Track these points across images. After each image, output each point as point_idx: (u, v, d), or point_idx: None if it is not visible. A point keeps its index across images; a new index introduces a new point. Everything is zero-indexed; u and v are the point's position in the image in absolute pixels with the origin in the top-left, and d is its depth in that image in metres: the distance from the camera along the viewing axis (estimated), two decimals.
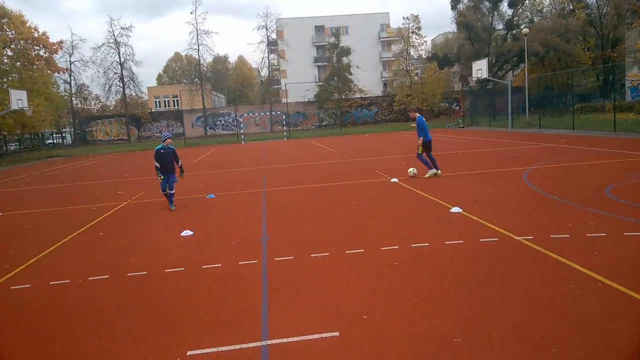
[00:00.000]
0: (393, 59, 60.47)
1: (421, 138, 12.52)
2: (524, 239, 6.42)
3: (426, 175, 12.53)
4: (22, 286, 6.05)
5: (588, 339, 3.74)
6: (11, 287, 6.03)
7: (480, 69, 34.23)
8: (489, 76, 34.81)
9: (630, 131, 22.27)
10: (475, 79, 35.72)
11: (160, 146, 10.38)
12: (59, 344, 4.35)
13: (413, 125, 13.25)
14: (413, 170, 12.57)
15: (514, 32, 47.97)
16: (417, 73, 58.01)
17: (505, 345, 3.73)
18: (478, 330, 4.00)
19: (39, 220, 10.67)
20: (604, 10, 47.41)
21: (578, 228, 6.75)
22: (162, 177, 10.34)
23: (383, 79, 71.24)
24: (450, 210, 8.42)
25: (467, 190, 10.35)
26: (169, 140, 10.50)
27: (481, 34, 47.55)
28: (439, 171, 12.69)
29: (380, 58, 71.39)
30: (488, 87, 42.44)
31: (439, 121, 49.84)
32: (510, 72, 52.87)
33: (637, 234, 6.32)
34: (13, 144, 49.71)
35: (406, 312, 4.46)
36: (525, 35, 34.58)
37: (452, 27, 53.18)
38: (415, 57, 59.60)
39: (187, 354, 3.96)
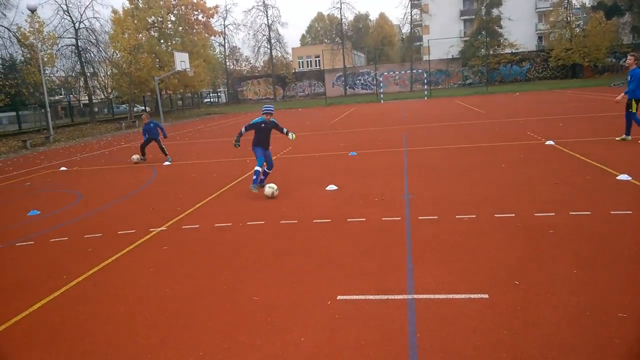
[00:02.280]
0: (551, 9, 54.22)
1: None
2: None
3: (618, 138, 11.14)
4: (192, 226, 6.89)
5: None
6: (183, 227, 6.90)
7: None
8: None
9: None
10: None
11: (260, 119, 8.58)
12: (223, 277, 4.91)
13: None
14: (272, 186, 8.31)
15: None
16: (579, 24, 51.47)
17: None
18: None
19: (202, 169, 11.94)
20: None
21: None
22: (239, 144, 8.75)
23: (538, 31, 64.71)
24: (617, 178, 7.53)
25: (637, 157, 9.15)
26: (267, 117, 8.56)
27: None
28: (629, 137, 11.03)
29: (536, 8, 64.66)
30: None
31: (603, 79, 44.20)
32: None
33: None
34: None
35: (563, 281, 4.18)
36: None
37: None
38: (578, 6, 52.87)
39: (337, 297, 4.20)
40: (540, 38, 64.65)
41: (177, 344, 3.68)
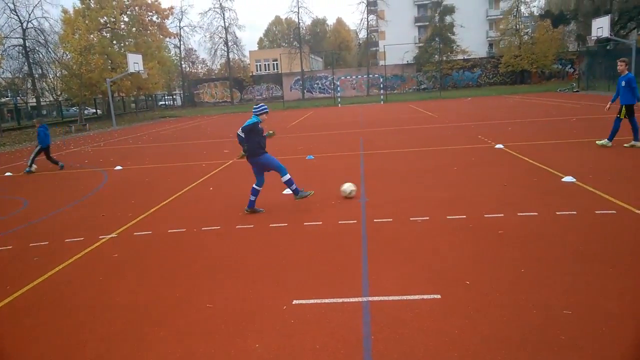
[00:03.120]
0: (501, 17, 56.35)
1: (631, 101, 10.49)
2: None
3: (626, 145, 10.62)
4: (144, 233, 6.70)
5: None
6: (135, 233, 6.70)
7: (600, 27, 30.96)
8: (610, 35, 31.37)
9: None
10: (595, 38, 32.37)
11: (256, 119, 6.96)
12: (177, 285, 4.80)
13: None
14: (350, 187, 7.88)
15: None
16: (527, 32, 53.66)
17: (622, 321, 3.50)
18: (591, 305, 3.78)
19: (156, 174, 11.66)
20: None
21: None
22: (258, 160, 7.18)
23: (489, 39, 67.01)
24: (562, 180, 7.88)
25: (581, 159, 9.61)
26: (264, 117, 7.08)
27: None
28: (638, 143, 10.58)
29: (487, 16, 66.99)
30: (608, 47, 38.23)
31: (550, 84, 46.22)
32: (635, 30, 46.99)
33: None
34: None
35: (512, 280, 4.32)
36: None
37: None
38: (527, 14, 55.08)
39: (293, 302, 4.19)
40: (490, 45, 66.95)
41: (127, 355, 3.56)
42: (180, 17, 60.25)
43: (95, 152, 17.82)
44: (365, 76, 54.50)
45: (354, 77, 54.79)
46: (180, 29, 60.79)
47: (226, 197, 8.66)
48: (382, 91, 43.23)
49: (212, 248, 5.88)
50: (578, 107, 22.15)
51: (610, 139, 10.75)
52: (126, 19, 48.42)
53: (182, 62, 64.35)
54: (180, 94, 67.85)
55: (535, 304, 3.85)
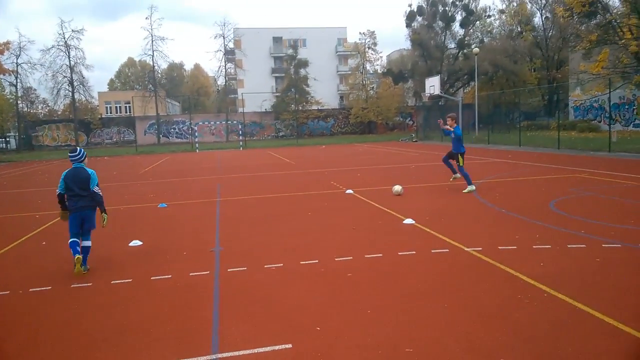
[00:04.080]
0: (349, 72, 61.36)
1: (461, 150, 11.67)
2: (474, 250, 6.59)
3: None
4: None
5: (534, 348, 3.85)
6: None
7: (432, 85, 35.34)
8: (441, 92, 35.97)
9: (572, 148, 23.48)
10: (428, 94, 36.80)
11: (79, 165, 6.64)
12: None
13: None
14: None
15: (465, 51, 49.74)
16: (372, 87, 59.04)
17: (456, 355, 3.79)
18: (429, 341, 4.04)
19: None
20: (550, 33, 50.03)
21: (524, 240, 6.99)
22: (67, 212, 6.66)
23: (340, 92, 72.08)
24: (404, 222, 8.54)
25: (419, 203, 10.56)
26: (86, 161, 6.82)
27: (434, 52, 48.99)
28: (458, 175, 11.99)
29: (337, 71, 72.29)
30: (440, 103, 43.70)
31: (393, 135, 50.88)
32: (461, 89, 54.59)
33: (580, 246, 6.61)
34: None
35: (359, 322, 4.46)
36: (476, 55, 35.95)
37: (407, 44, 54.37)
38: (371, 71, 60.72)
39: None
40: (341, 97, 72.04)
41: None
42: (18, 53, 54.41)
43: None
44: (224, 122, 54.50)
45: (212, 122, 54.49)
46: (17, 66, 54.82)
47: (62, 252, 7.70)
48: (241, 137, 43.53)
49: (41, 313, 5.13)
50: (416, 155, 24.63)
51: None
52: None
53: (19, 102, 57.78)
54: (15, 136, 60.47)
55: (380, 345, 4.00)
